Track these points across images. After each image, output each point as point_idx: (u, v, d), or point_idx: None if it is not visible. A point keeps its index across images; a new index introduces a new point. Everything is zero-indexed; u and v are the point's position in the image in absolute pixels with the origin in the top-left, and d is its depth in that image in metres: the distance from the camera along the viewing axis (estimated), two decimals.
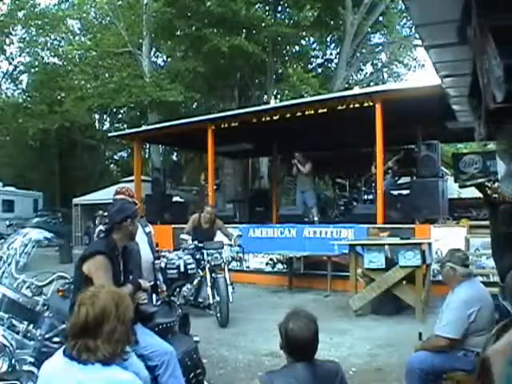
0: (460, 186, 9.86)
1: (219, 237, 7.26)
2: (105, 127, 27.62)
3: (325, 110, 8.92)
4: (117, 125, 26.15)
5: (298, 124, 9.86)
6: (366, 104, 8.50)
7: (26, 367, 2.74)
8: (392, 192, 9.37)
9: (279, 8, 18.19)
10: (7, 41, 23.23)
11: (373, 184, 9.95)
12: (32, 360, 2.76)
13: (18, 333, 2.92)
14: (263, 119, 9.85)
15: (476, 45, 1.89)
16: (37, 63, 24.05)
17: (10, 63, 25.15)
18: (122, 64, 18.08)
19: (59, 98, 22.32)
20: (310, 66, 20.61)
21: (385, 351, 5.00)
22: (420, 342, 3.39)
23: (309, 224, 9.53)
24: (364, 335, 5.65)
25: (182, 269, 6.27)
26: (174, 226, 10.05)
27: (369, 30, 18.35)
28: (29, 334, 2.94)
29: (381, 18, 18.25)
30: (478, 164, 10.33)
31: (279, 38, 16.66)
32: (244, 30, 15.44)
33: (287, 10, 17.92)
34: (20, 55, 24.84)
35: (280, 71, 17.17)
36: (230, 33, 14.73)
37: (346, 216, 10.78)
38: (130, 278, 3.14)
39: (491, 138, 4.49)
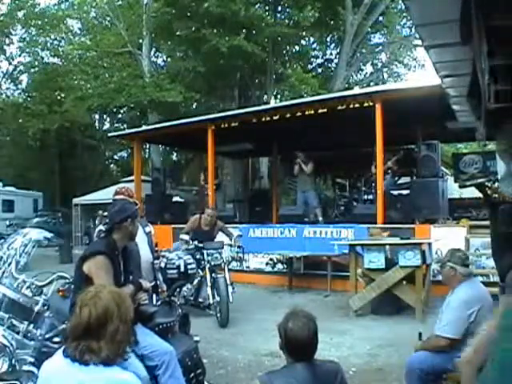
0: (460, 186, 9.84)
1: (220, 237, 7.25)
2: (105, 127, 27.67)
3: (325, 110, 8.92)
4: (117, 125, 26.18)
5: (298, 124, 9.85)
6: (365, 104, 8.50)
7: (26, 367, 2.74)
8: (392, 192, 9.36)
9: (279, 8, 18.20)
10: (7, 41, 23.25)
11: (373, 184, 9.95)
12: (32, 360, 2.77)
13: (18, 333, 2.92)
14: (263, 119, 9.85)
15: (475, 45, 1.90)
16: (37, 63, 24.07)
17: (10, 63, 25.18)
18: (122, 64, 18.09)
19: (59, 98, 22.35)
20: (310, 66, 20.63)
21: (385, 351, 5.00)
22: (420, 341, 3.39)
23: (309, 224, 9.53)
24: (364, 335, 5.65)
25: (182, 269, 6.27)
26: (173, 226, 10.05)
27: (369, 30, 18.36)
28: (29, 334, 2.94)
29: (381, 18, 18.26)
30: (478, 164, 10.34)
31: (279, 38, 16.66)
32: (244, 30, 15.42)
33: (287, 10, 17.93)
34: (20, 55, 24.88)
35: (280, 71, 17.17)
36: (230, 33, 14.73)
37: (346, 216, 10.79)
38: (130, 278, 3.14)
39: (491, 138, 4.50)
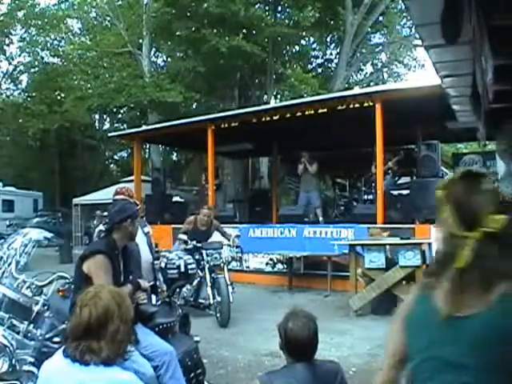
0: None
1: (216, 237, 7.22)
2: (105, 127, 27.66)
3: (325, 110, 8.92)
4: (117, 125, 26.18)
5: (298, 124, 9.85)
6: (365, 104, 8.50)
7: (26, 367, 2.74)
8: (392, 192, 9.36)
9: (279, 8, 18.20)
10: (7, 41, 23.24)
11: (373, 184, 9.95)
12: (32, 360, 2.77)
13: (18, 333, 2.92)
14: (263, 119, 9.85)
15: (475, 45, 1.90)
16: (36, 63, 24.07)
17: (10, 63, 25.18)
18: (122, 64, 18.09)
19: (59, 98, 22.35)
20: (310, 66, 20.64)
21: (385, 351, 4.99)
22: None
23: (309, 224, 9.53)
24: (364, 335, 5.65)
25: (183, 269, 6.28)
26: (173, 226, 10.05)
27: (369, 30, 18.37)
28: (29, 334, 2.95)
29: (381, 18, 18.27)
30: (478, 164, 10.35)
31: (279, 38, 16.67)
32: (244, 31, 15.42)
33: (287, 10, 17.93)
34: (20, 55, 24.88)
35: (280, 71, 17.18)
36: (230, 33, 14.73)
37: (346, 216, 10.78)
38: (130, 278, 3.14)
39: (491, 138, 4.50)
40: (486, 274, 1.24)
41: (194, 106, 21.17)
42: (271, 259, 9.38)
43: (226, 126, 10.34)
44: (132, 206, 3.26)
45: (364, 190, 11.02)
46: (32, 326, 2.97)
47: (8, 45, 23.65)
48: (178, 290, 6.55)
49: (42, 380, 1.87)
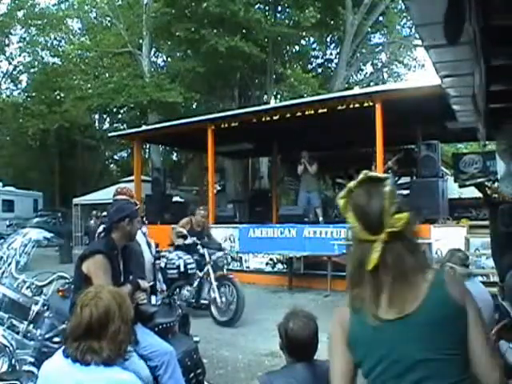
0: (460, 186, 9.87)
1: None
2: (104, 127, 27.65)
3: (325, 110, 8.92)
4: (116, 125, 26.17)
5: (298, 124, 9.85)
6: (365, 104, 8.50)
7: (26, 367, 2.74)
8: None
9: (279, 8, 18.19)
10: (7, 41, 23.24)
11: None
12: (32, 360, 2.77)
13: (18, 333, 2.92)
14: (263, 119, 9.85)
15: (475, 45, 1.90)
16: (36, 63, 24.06)
17: (10, 63, 25.17)
18: (122, 64, 18.10)
19: (59, 98, 22.35)
20: (310, 66, 20.64)
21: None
22: None
23: (309, 224, 9.52)
24: None
25: (182, 269, 6.28)
26: (174, 226, 10.03)
27: (369, 30, 18.36)
28: (29, 334, 2.95)
29: (381, 18, 18.27)
30: (478, 164, 10.35)
31: (279, 38, 16.66)
32: (244, 31, 15.41)
33: (287, 10, 17.92)
34: (20, 55, 24.87)
35: (280, 71, 17.19)
36: (229, 33, 14.72)
37: None
38: (130, 278, 3.14)
39: (491, 138, 4.50)
40: (402, 271, 1.27)
41: (194, 106, 21.17)
42: (271, 259, 9.38)
43: (226, 126, 10.34)
44: (131, 205, 3.25)
45: None
46: (32, 326, 2.97)
47: (8, 45, 23.65)
48: (177, 290, 6.55)
49: (41, 380, 1.87)
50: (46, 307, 3.08)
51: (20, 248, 3.41)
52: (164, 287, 5.46)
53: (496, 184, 3.67)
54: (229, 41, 14.26)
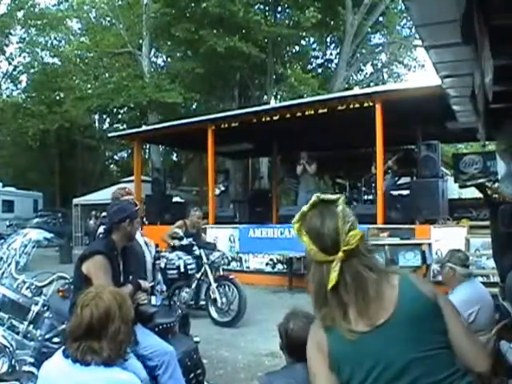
0: (460, 186, 9.86)
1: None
2: (104, 127, 27.66)
3: (325, 110, 8.92)
4: (116, 125, 26.17)
5: (298, 124, 9.85)
6: (366, 104, 8.50)
7: (26, 368, 2.74)
8: (392, 192, 9.36)
9: (279, 8, 18.20)
10: (6, 41, 23.23)
11: (373, 184, 9.94)
12: (32, 360, 2.77)
13: (18, 333, 2.92)
14: (263, 119, 9.85)
15: (477, 45, 1.90)
16: (36, 63, 24.05)
17: (10, 63, 25.17)
18: (122, 64, 18.11)
19: (59, 98, 22.35)
20: (310, 67, 20.64)
21: None
22: None
23: None
24: None
25: (182, 269, 6.28)
26: (164, 233, 10.00)
27: (369, 30, 18.37)
28: (29, 335, 2.94)
29: (381, 19, 18.27)
30: (478, 164, 10.33)
31: (279, 39, 16.67)
32: (243, 31, 15.41)
33: (287, 10, 17.93)
34: (20, 55, 24.86)
35: (280, 72, 17.20)
36: (228, 34, 14.72)
37: None
38: (130, 278, 3.14)
39: (491, 138, 4.50)
40: (362, 286, 1.31)
41: (194, 107, 21.18)
42: (271, 259, 9.37)
43: (226, 126, 10.34)
44: (131, 206, 3.25)
45: (364, 191, 11.01)
46: (32, 326, 2.97)
47: (7, 45, 23.63)
48: (177, 290, 6.54)
49: (41, 380, 1.87)
50: (45, 308, 3.08)
51: (20, 248, 3.41)
52: (164, 288, 5.46)
53: (496, 184, 3.67)
54: (228, 41, 14.26)
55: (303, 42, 20.27)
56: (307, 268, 1.44)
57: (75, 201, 18.16)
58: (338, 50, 19.30)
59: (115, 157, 31.35)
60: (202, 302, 6.49)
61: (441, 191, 8.19)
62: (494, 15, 1.91)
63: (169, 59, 21.79)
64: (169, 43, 18.86)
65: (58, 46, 24.07)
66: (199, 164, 17.78)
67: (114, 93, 16.83)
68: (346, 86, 17.24)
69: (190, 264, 6.36)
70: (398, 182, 10.53)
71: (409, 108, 8.08)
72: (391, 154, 10.13)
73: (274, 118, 9.66)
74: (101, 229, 3.53)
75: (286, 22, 17.26)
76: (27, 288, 3.20)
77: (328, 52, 21.46)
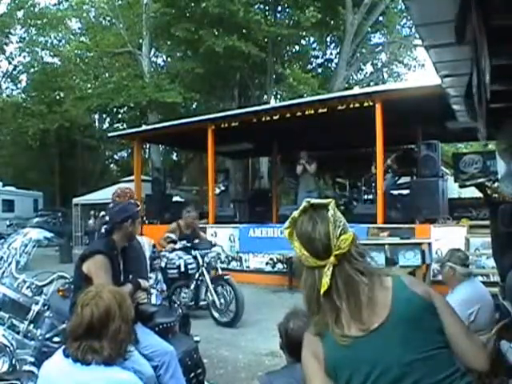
0: (460, 186, 9.85)
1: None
2: (104, 127, 27.66)
3: (325, 110, 8.92)
4: (116, 125, 26.17)
5: (298, 124, 9.85)
6: (366, 104, 8.50)
7: (26, 367, 2.74)
8: (392, 192, 9.36)
9: (279, 8, 18.20)
10: (6, 40, 23.22)
11: (373, 184, 9.94)
12: (32, 360, 2.76)
13: (18, 333, 2.92)
14: (263, 119, 9.84)
15: (477, 45, 1.90)
16: (36, 63, 24.04)
17: (10, 63, 25.17)
18: (122, 64, 18.10)
19: (59, 97, 22.34)
20: (310, 66, 20.64)
21: None
22: None
23: None
24: None
25: (183, 268, 6.28)
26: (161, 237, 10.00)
27: (369, 29, 18.37)
28: (29, 334, 2.94)
29: (381, 18, 18.27)
30: (478, 164, 10.33)
31: (279, 38, 16.67)
32: (244, 31, 15.41)
33: (287, 10, 17.92)
34: (20, 55, 24.86)
35: (280, 71, 17.20)
36: (228, 33, 14.71)
37: (345, 216, 10.66)
38: (130, 277, 3.14)
39: (491, 138, 4.50)
40: (354, 290, 1.30)
41: (193, 106, 21.16)
42: (271, 259, 9.37)
43: (226, 125, 10.34)
44: (133, 206, 3.26)
45: (364, 190, 11.01)
46: (32, 325, 2.97)
47: (7, 44, 23.62)
48: (178, 290, 6.54)
49: (42, 380, 1.87)
50: (46, 307, 3.08)
51: (20, 248, 3.41)
52: (164, 287, 5.46)
53: (496, 184, 3.67)
54: (227, 41, 14.25)
55: (303, 42, 20.28)
56: (298, 273, 1.45)
57: (75, 200, 18.16)
58: (338, 50, 19.30)
59: (115, 156, 31.36)
60: (202, 303, 6.47)
61: (441, 191, 8.19)
62: (493, 15, 1.91)
63: (169, 59, 21.79)
64: (169, 43, 18.85)
65: (58, 46, 24.06)
66: (199, 164, 17.77)
67: (114, 92, 16.83)
68: (346, 85, 17.24)
69: (190, 263, 6.36)
70: (398, 182, 10.53)
71: (409, 108, 8.08)
72: (391, 154, 10.14)
73: (274, 117, 9.66)
74: (103, 229, 3.53)
75: (286, 21, 17.25)
76: (27, 287, 3.20)
77: (328, 52, 21.49)
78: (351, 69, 18.71)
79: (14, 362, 2.71)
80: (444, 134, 9.41)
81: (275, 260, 9.32)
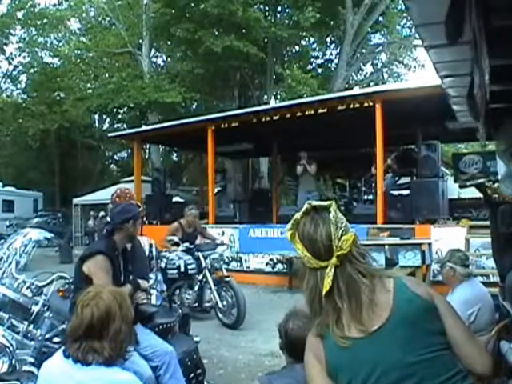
0: (460, 186, 9.84)
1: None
2: (104, 127, 27.67)
3: (325, 110, 8.92)
4: (116, 125, 26.19)
5: (298, 124, 9.85)
6: (366, 104, 8.50)
7: (26, 367, 2.73)
8: (392, 192, 9.36)
9: (279, 8, 18.20)
10: (6, 41, 23.23)
11: (373, 184, 9.94)
12: (32, 360, 2.76)
13: (18, 333, 2.92)
14: (263, 119, 9.85)
15: (475, 45, 1.90)
16: (36, 63, 24.05)
17: (10, 63, 25.18)
18: (122, 64, 18.10)
19: (58, 98, 22.34)
20: (310, 67, 20.63)
21: None
22: None
23: None
24: None
25: (183, 269, 6.27)
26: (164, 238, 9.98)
27: (369, 30, 18.37)
28: (29, 334, 2.94)
29: (381, 18, 18.27)
30: (478, 164, 10.33)
31: (279, 39, 16.67)
32: (244, 31, 15.41)
33: (287, 10, 17.92)
34: (19, 55, 24.87)
35: (279, 72, 17.20)
36: (228, 34, 14.71)
37: (345, 216, 10.68)
38: (130, 278, 3.14)
39: (491, 138, 4.50)
40: (355, 291, 1.31)
41: (193, 107, 21.17)
42: (271, 259, 9.37)
43: (226, 126, 10.34)
44: (134, 207, 3.27)
45: (364, 190, 11.03)
46: (32, 326, 2.97)
47: (6, 44, 23.63)
48: (178, 290, 6.53)
49: (42, 380, 1.87)
50: (46, 307, 3.08)
51: (20, 248, 3.41)
52: (164, 287, 5.45)
53: (496, 184, 3.66)
54: (225, 41, 14.24)
55: (303, 42, 20.28)
56: (300, 275, 1.45)
57: (75, 201, 18.18)
58: (338, 50, 19.31)
59: (115, 157, 31.37)
60: (207, 304, 6.45)
61: (441, 191, 8.20)
62: (493, 15, 1.91)
63: (169, 59, 21.80)
64: (168, 43, 18.87)
65: (58, 46, 24.05)
66: (199, 164, 17.77)
67: (114, 93, 16.83)
68: (346, 85, 17.24)
69: (190, 264, 6.34)
70: (398, 182, 10.53)
71: (409, 108, 8.09)
72: (391, 154, 10.13)
73: (274, 117, 9.66)
74: (105, 231, 3.54)
75: (286, 21, 17.25)
76: (27, 288, 3.20)
77: (328, 52, 21.50)
78: (351, 69, 18.71)
79: (13, 362, 2.71)
80: (444, 134, 9.41)
81: (275, 260, 9.33)
